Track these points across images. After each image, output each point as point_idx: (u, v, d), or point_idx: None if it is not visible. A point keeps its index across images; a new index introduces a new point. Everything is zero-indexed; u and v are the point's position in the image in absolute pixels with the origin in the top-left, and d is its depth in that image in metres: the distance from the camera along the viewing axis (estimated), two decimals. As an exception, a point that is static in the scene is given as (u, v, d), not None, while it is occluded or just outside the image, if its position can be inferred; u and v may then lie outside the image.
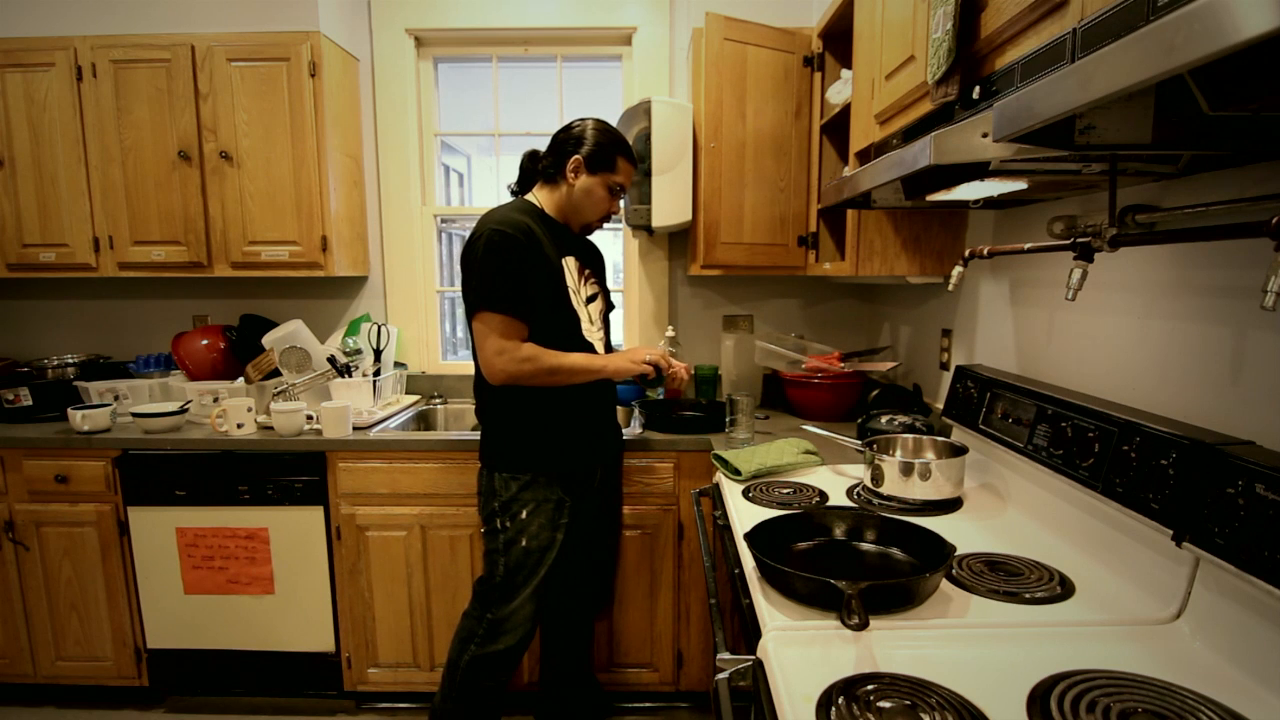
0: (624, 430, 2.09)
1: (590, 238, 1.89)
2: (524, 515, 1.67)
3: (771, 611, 0.99)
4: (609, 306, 1.90)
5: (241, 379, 2.31)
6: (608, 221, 1.81)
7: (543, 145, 1.78)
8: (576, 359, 1.66)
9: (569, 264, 1.73)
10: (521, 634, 1.70)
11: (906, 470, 1.43)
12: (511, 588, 1.69)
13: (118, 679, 2.19)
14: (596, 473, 1.84)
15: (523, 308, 1.60)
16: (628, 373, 1.73)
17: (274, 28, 2.23)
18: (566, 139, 1.70)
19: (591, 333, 1.76)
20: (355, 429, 2.11)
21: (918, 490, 1.42)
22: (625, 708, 2.21)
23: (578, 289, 1.75)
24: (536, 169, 1.76)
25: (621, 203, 1.98)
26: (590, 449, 1.80)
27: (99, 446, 2.08)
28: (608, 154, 1.69)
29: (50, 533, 2.12)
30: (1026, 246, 1.28)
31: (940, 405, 1.84)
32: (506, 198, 1.82)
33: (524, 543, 1.67)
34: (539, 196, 1.75)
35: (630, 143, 1.93)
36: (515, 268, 1.58)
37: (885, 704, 0.77)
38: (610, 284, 2.08)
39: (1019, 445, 1.35)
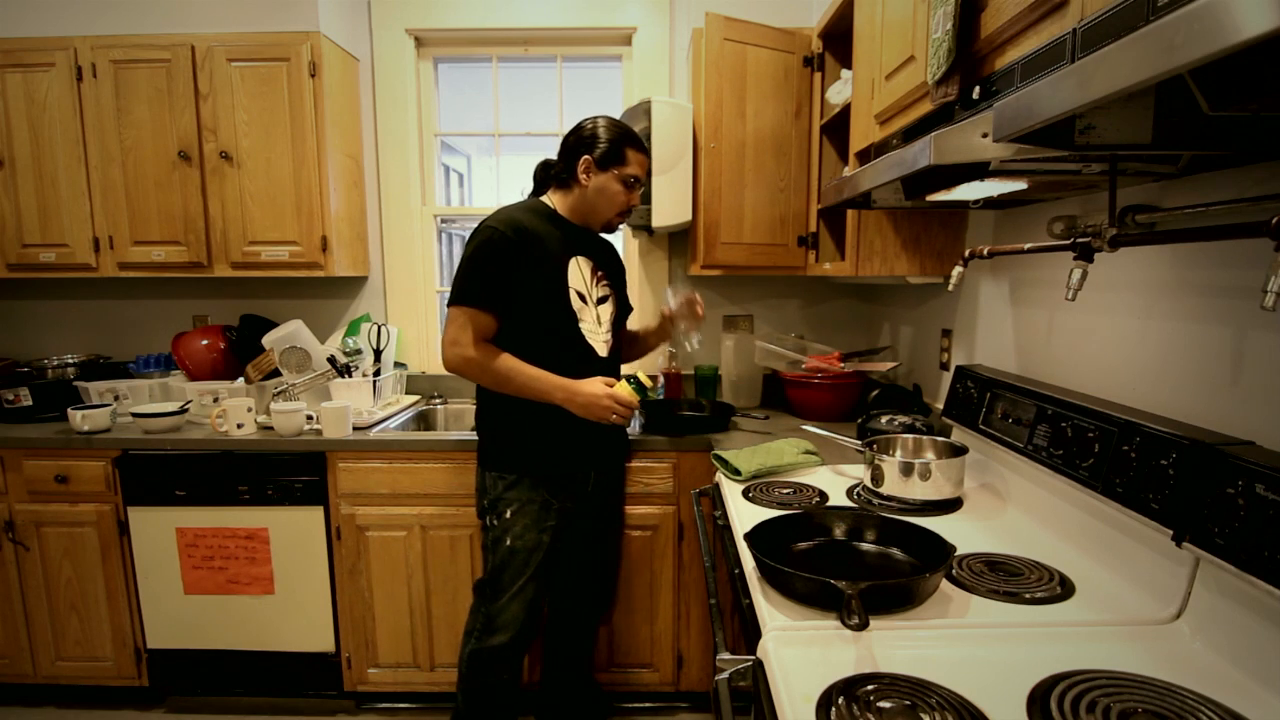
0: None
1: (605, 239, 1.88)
2: (508, 515, 1.68)
3: (771, 611, 0.99)
4: (621, 310, 1.87)
5: (241, 379, 2.31)
6: (629, 216, 1.80)
7: (542, 145, 1.78)
8: (530, 378, 1.61)
9: (579, 264, 1.72)
10: (513, 633, 1.70)
11: (906, 470, 1.42)
12: (498, 585, 1.69)
13: (118, 679, 2.19)
14: (590, 477, 1.82)
15: (494, 304, 1.62)
16: (586, 416, 1.63)
17: (274, 28, 2.23)
18: (575, 141, 1.71)
19: (595, 335, 1.75)
20: (355, 429, 2.11)
21: (918, 490, 1.42)
22: (625, 708, 2.21)
23: (587, 290, 1.75)
24: (550, 176, 1.78)
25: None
26: (579, 453, 1.77)
27: (99, 446, 2.08)
28: (616, 148, 1.69)
29: (50, 533, 2.12)
30: (1026, 246, 1.28)
31: (940, 405, 1.84)
32: (506, 198, 1.82)
33: (508, 542, 1.68)
34: (553, 199, 1.76)
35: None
36: (496, 265, 1.60)
37: (885, 704, 0.77)
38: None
39: (1019, 445, 1.35)
